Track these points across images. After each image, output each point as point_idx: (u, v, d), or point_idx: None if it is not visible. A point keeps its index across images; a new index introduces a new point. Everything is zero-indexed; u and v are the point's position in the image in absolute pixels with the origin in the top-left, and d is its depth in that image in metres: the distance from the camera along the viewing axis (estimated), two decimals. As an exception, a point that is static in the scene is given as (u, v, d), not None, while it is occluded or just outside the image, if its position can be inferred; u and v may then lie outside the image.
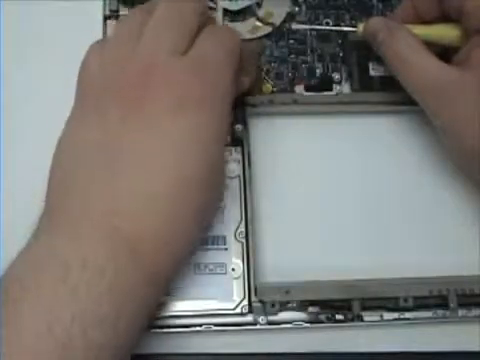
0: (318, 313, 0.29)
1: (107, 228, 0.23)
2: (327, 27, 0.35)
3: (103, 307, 0.21)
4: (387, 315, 0.29)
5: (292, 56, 0.34)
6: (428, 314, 0.29)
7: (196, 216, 0.25)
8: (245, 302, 0.29)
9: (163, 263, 0.24)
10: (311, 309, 0.29)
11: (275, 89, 0.33)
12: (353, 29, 0.33)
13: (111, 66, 0.26)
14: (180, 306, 0.29)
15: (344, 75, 0.34)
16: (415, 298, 0.29)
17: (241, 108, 0.32)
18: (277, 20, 0.34)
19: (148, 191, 0.24)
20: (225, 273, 0.29)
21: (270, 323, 0.29)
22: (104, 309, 0.21)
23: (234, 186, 0.31)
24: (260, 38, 0.34)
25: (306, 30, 0.34)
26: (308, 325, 0.29)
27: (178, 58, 0.25)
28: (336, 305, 0.29)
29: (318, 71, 0.34)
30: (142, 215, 0.23)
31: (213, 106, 0.26)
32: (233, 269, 0.29)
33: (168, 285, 0.27)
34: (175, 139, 0.24)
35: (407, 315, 0.29)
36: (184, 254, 0.26)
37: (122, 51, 0.26)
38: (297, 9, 0.35)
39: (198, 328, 0.29)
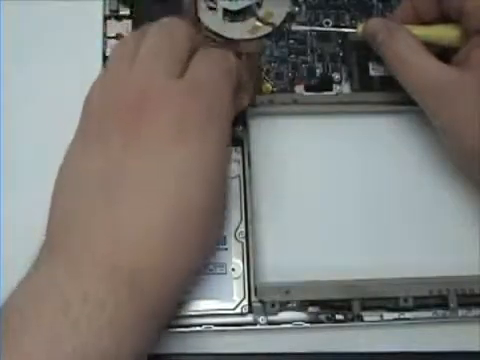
0: (318, 313, 0.29)
1: (108, 261, 0.22)
2: (327, 28, 0.35)
3: (104, 341, 0.21)
4: (387, 315, 0.29)
5: (292, 56, 0.34)
6: (428, 314, 0.29)
7: (199, 245, 0.25)
8: (245, 302, 0.29)
9: (165, 295, 0.24)
10: (311, 309, 0.29)
11: (275, 89, 0.33)
12: (353, 30, 0.33)
13: (109, 94, 0.25)
14: (180, 306, 0.29)
15: (344, 75, 0.34)
16: (415, 298, 0.29)
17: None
18: (277, 20, 0.35)
19: (149, 223, 0.23)
20: (225, 273, 0.29)
21: (270, 323, 0.29)
22: (105, 343, 0.21)
23: (234, 186, 0.31)
24: (260, 38, 0.34)
25: (306, 30, 0.34)
26: (308, 325, 0.29)
27: (173, 81, 0.25)
28: (336, 305, 0.29)
29: (318, 71, 0.34)
30: (143, 248, 0.23)
31: (212, 128, 0.25)
32: (233, 269, 0.30)
33: (170, 315, 0.26)
34: (175, 166, 0.24)
35: (407, 315, 0.29)
36: (186, 283, 0.26)
37: (117, 79, 0.26)
38: (297, 9, 0.35)
39: (198, 328, 0.29)
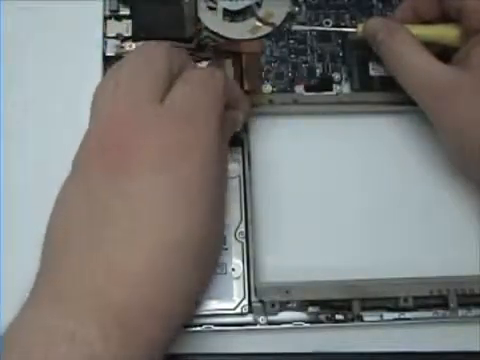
0: (318, 313, 0.29)
1: (96, 301, 0.22)
2: (327, 28, 0.35)
3: None
4: (387, 315, 0.29)
5: (292, 56, 0.34)
6: (428, 314, 0.29)
7: (192, 278, 0.24)
8: (245, 302, 0.29)
9: (157, 334, 0.23)
10: (311, 309, 0.29)
11: (275, 89, 0.33)
12: (353, 30, 0.33)
13: (93, 130, 0.25)
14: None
15: (344, 75, 0.34)
16: (415, 298, 0.29)
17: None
18: (277, 20, 0.35)
19: (136, 260, 0.22)
20: (225, 273, 0.29)
21: (270, 323, 0.29)
22: None
23: (234, 186, 0.31)
24: (260, 38, 0.34)
25: (306, 30, 0.34)
26: (308, 325, 0.29)
27: (154, 108, 0.24)
28: (336, 305, 0.29)
29: (318, 71, 0.34)
30: (133, 287, 0.22)
31: (197, 153, 0.24)
32: (233, 269, 0.30)
33: (163, 352, 0.25)
34: (160, 198, 0.23)
35: (407, 315, 0.29)
36: (181, 320, 0.25)
37: (100, 113, 0.25)
38: (297, 9, 0.35)
39: (198, 328, 0.29)
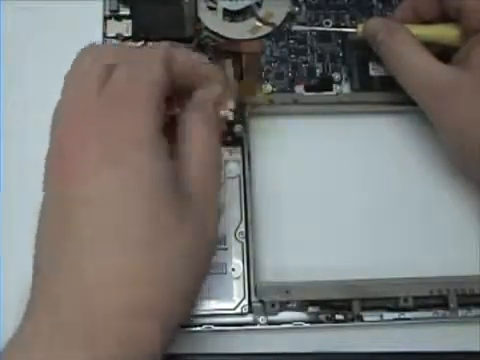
0: (318, 313, 0.29)
1: (87, 310, 0.21)
2: (327, 28, 0.35)
3: None
4: (387, 315, 0.29)
5: (292, 56, 0.34)
6: (428, 314, 0.29)
7: (185, 276, 0.23)
8: (245, 302, 0.29)
9: (157, 335, 0.23)
10: (311, 309, 0.29)
11: (275, 89, 0.33)
12: (353, 30, 0.33)
13: (50, 139, 0.25)
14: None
15: (344, 75, 0.34)
16: (415, 298, 0.29)
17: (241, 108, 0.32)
18: (277, 20, 0.35)
19: (112, 264, 0.22)
20: (225, 273, 0.29)
21: (270, 323, 0.29)
22: None
23: (234, 186, 0.31)
24: (260, 38, 0.34)
25: (306, 30, 0.35)
26: (308, 325, 0.29)
27: (91, 99, 0.24)
28: (336, 305, 0.29)
29: (318, 71, 0.34)
30: (116, 295, 0.22)
31: (142, 142, 0.23)
32: (233, 269, 0.30)
33: (163, 352, 0.24)
34: (113, 199, 0.22)
35: (407, 315, 0.29)
36: (179, 320, 0.24)
37: (55, 120, 0.26)
38: (297, 9, 0.35)
39: (198, 328, 0.29)
